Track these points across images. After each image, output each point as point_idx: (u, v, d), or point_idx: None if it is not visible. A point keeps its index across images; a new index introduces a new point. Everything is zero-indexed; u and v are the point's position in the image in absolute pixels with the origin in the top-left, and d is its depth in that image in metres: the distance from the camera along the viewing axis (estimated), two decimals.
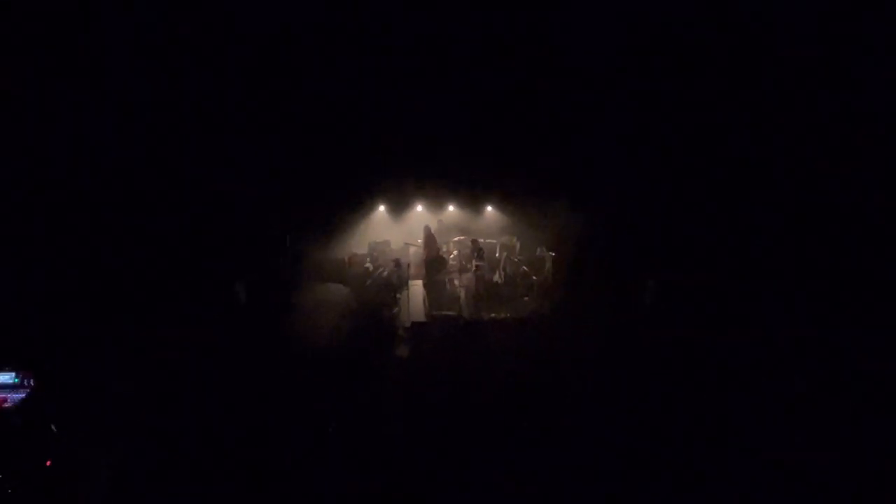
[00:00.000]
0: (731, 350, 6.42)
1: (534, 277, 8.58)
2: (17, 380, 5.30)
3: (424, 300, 8.44)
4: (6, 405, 5.16)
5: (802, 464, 4.80)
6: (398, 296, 8.45)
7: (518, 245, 9.33)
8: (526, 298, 8.43)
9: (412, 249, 9.28)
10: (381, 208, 9.80)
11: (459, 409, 6.17)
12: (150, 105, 6.44)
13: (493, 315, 8.07)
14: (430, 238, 9.01)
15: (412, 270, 9.02)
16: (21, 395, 5.24)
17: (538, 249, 8.98)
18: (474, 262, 8.61)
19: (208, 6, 5.98)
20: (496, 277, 8.58)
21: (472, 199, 9.79)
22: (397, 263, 8.61)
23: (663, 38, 6.50)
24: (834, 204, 6.35)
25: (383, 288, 8.36)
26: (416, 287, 8.67)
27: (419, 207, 9.91)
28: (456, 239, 9.52)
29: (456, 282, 8.49)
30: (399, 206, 9.84)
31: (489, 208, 9.93)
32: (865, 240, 6.15)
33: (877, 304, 5.81)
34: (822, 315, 6.11)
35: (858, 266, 6.10)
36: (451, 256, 8.97)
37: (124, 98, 6.29)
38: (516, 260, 8.94)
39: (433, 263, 8.73)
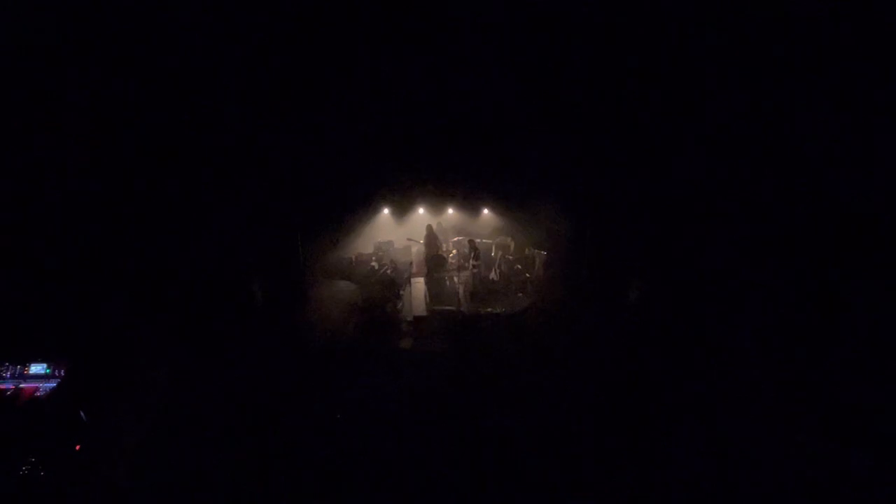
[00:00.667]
0: (711, 339, 6.45)
1: (527, 275, 8.63)
2: (48, 370, 5.32)
3: (425, 295, 8.49)
4: (38, 394, 5.20)
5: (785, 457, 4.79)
6: (401, 291, 8.52)
7: (512, 245, 9.39)
8: (520, 294, 8.49)
9: (415, 247, 9.32)
10: (386, 211, 9.86)
11: (458, 398, 6.25)
12: (174, 111, 6.38)
13: (489, 309, 8.12)
14: (431, 236, 9.08)
15: (414, 268, 9.07)
16: (52, 384, 5.26)
17: (527, 249, 9.04)
18: (472, 262, 8.69)
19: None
20: (492, 275, 8.63)
21: (470, 202, 9.87)
22: (400, 262, 8.69)
23: (646, 40, 6.27)
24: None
25: (387, 284, 8.42)
26: (418, 283, 8.73)
27: (420, 210, 9.98)
28: (455, 239, 9.59)
29: (455, 279, 8.53)
30: (402, 209, 9.91)
31: (485, 211, 10.01)
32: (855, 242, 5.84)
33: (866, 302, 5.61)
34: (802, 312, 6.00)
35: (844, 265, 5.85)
36: (451, 255, 9.03)
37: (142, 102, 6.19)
38: (511, 259, 9.00)
39: (434, 260, 8.79)
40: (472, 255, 8.69)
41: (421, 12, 6.17)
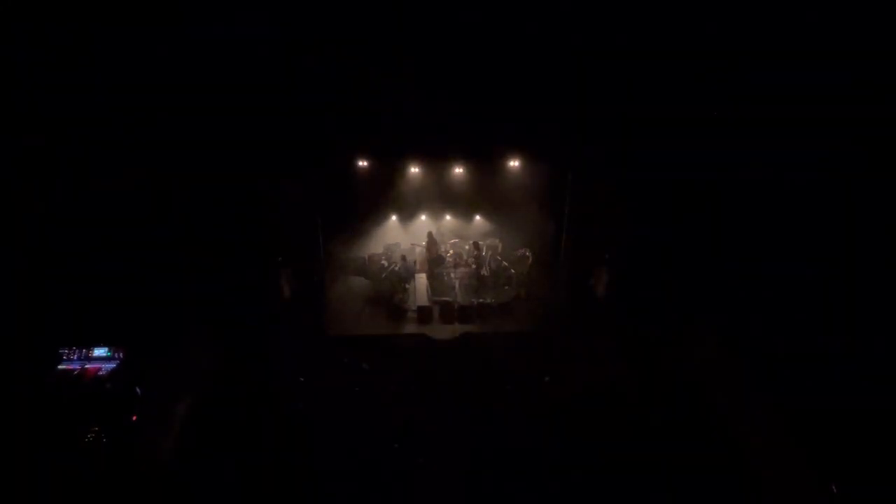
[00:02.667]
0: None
1: (512, 271, 8.70)
2: (109, 353, 5.42)
3: (427, 289, 8.53)
4: (101, 373, 5.27)
5: None
6: (406, 285, 8.56)
7: (500, 245, 9.45)
8: (506, 287, 8.55)
9: (418, 249, 9.39)
10: (394, 217, 9.95)
11: (456, 375, 6.30)
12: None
13: (481, 300, 8.19)
14: (431, 241, 9.14)
15: (417, 266, 9.11)
16: (112, 365, 5.35)
17: (520, 249, 9.11)
18: (473, 258, 8.70)
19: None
20: (483, 271, 8.68)
21: (465, 209, 9.90)
22: (404, 258, 8.72)
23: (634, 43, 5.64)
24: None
25: (395, 280, 8.47)
26: (421, 278, 8.75)
27: (423, 216, 10.06)
28: (452, 241, 9.65)
29: (452, 275, 8.55)
30: (407, 216, 9.96)
31: (477, 217, 10.10)
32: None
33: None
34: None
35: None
36: (448, 255, 9.10)
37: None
38: (499, 258, 9.06)
39: (434, 261, 8.86)
40: (476, 253, 8.73)
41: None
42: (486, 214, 9.86)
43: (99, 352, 5.43)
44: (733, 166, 5.99)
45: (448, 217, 10.04)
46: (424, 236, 9.22)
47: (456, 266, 8.67)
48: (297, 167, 6.77)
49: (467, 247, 9.23)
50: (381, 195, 9.14)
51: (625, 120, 6.30)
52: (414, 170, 8.74)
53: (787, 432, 4.35)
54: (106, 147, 5.64)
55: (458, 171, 8.76)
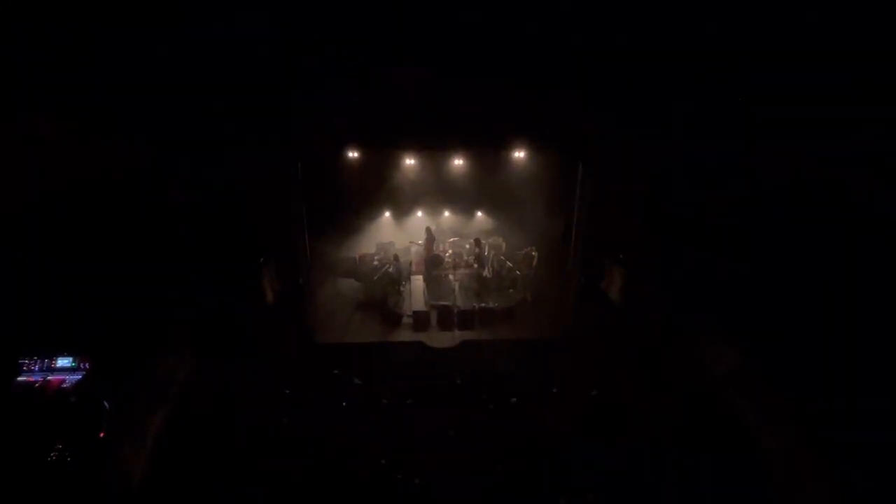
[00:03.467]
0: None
1: (517, 272, 8.49)
2: (74, 363, 5.27)
3: (424, 292, 8.36)
4: (65, 385, 5.13)
5: None
6: (401, 288, 8.36)
7: (503, 244, 9.25)
8: (510, 290, 8.34)
9: (414, 248, 9.21)
10: (387, 214, 9.71)
11: (455, 387, 6.06)
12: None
13: (482, 304, 7.97)
14: (430, 238, 8.95)
15: (413, 267, 8.94)
16: (77, 376, 5.21)
17: (525, 248, 8.89)
18: (474, 258, 8.52)
19: None
20: (485, 272, 8.51)
21: (465, 205, 9.64)
22: (398, 259, 8.51)
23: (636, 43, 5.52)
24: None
25: (389, 282, 8.24)
26: (417, 281, 8.63)
27: (419, 213, 9.81)
28: (451, 240, 9.43)
29: (451, 276, 8.42)
30: (402, 211, 9.72)
31: (479, 213, 9.86)
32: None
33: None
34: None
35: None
36: (447, 255, 8.90)
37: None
38: (502, 257, 8.86)
39: (432, 261, 8.66)
40: (477, 252, 8.54)
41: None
42: (489, 210, 9.69)
43: (62, 362, 5.27)
44: (767, 162, 5.78)
45: (447, 213, 9.92)
46: (421, 235, 9.03)
47: (455, 267, 8.50)
48: (276, 153, 6.44)
49: (468, 246, 9.08)
50: (374, 188, 8.92)
51: (648, 102, 6.02)
52: (409, 161, 8.49)
53: (809, 442, 4.37)
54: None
55: (459, 162, 8.54)
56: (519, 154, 7.79)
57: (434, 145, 7.68)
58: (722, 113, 5.89)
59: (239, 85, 5.83)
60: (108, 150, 5.64)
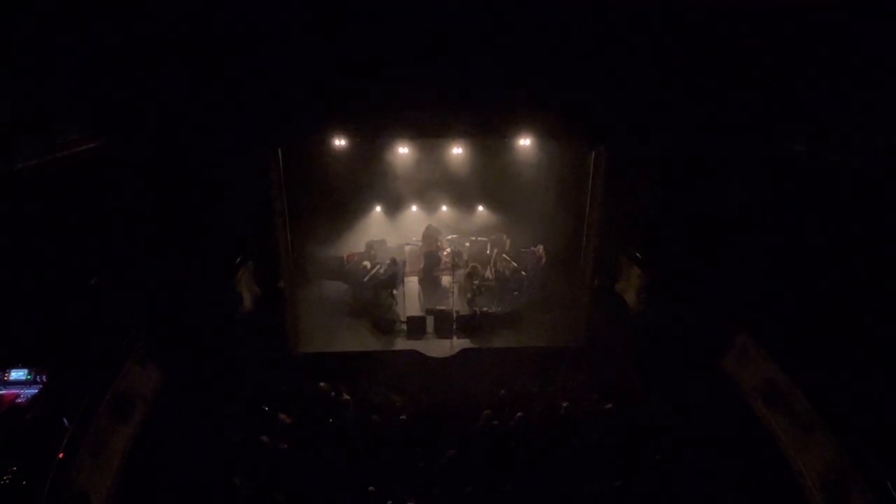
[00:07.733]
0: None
1: (522, 273, 8.61)
2: (29, 376, 5.26)
3: (419, 296, 8.50)
4: (19, 400, 5.14)
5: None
6: (394, 292, 8.49)
7: (508, 242, 9.37)
8: (515, 293, 8.46)
9: (408, 248, 9.31)
10: (378, 208, 9.81)
11: (453, 399, 6.21)
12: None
13: (484, 309, 8.10)
14: (430, 235, 9.08)
15: (407, 268, 9.06)
16: (34, 390, 5.21)
17: (531, 247, 9.02)
18: (475, 258, 8.66)
19: None
20: (487, 273, 8.62)
21: (465, 199, 9.79)
22: (394, 262, 8.64)
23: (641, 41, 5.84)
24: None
25: (380, 284, 8.36)
26: (412, 283, 8.77)
27: (414, 207, 9.94)
28: (450, 237, 9.57)
29: (449, 278, 8.50)
30: (395, 206, 9.83)
31: (480, 208, 9.98)
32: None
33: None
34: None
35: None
36: (445, 255, 9.02)
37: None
38: (506, 257, 8.98)
39: (428, 262, 8.78)
40: (479, 251, 8.72)
41: None
42: (492, 205, 9.80)
43: (16, 374, 5.30)
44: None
45: (445, 208, 9.98)
46: (415, 232, 9.14)
47: (454, 268, 8.56)
48: (252, 140, 6.56)
49: (468, 244, 9.17)
50: (363, 180, 9.00)
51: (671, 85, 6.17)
52: (403, 149, 8.57)
53: (847, 459, 4.43)
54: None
55: (457, 151, 8.57)
56: (525, 142, 7.74)
57: (438, 133, 7.68)
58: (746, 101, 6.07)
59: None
60: (59, 139, 5.78)
